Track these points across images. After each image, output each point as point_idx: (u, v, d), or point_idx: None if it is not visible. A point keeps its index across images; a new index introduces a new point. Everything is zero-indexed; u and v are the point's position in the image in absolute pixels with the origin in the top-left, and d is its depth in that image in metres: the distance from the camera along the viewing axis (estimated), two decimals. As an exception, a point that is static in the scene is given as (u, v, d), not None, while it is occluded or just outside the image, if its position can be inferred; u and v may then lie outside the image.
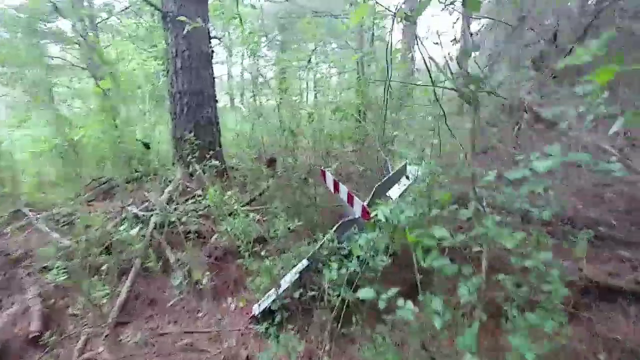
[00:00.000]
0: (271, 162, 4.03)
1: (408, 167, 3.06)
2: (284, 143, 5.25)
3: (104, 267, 3.01)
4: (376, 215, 1.66)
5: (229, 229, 2.13)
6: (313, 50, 8.27)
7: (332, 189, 2.58)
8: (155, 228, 3.58)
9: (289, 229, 3.10)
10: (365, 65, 6.03)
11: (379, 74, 4.97)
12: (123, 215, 3.77)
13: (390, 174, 2.73)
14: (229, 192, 2.72)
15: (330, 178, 2.57)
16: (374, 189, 2.47)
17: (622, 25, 3.98)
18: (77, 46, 7.02)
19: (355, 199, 2.17)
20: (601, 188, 4.31)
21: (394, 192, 3.08)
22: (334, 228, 2.79)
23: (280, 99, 4.87)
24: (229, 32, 13.83)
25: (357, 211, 2.17)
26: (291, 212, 3.69)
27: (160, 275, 3.15)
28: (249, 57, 5.55)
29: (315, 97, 9.64)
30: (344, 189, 2.36)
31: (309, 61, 6.33)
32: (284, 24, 15.41)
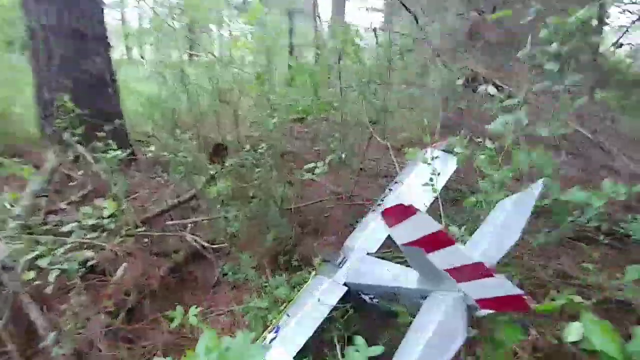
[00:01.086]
0: (218, 151, 2.68)
1: (441, 155, 2.09)
2: (216, 116, 3.80)
3: None
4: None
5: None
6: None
7: (411, 239, 1.05)
8: (4, 267, 1.99)
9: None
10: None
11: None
12: None
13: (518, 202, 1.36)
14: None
15: (427, 224, 1.02)
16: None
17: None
18: None
19: (496, 278, 0.94)
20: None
21: (422, 196, 2.02)
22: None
23: (213, 54, 3.39)
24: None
25: (473, 293, 1.01)
26: (251, 221, 2.47)
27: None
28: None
29: (231, 54, 7.87)
30: (461, 254, 1.00)
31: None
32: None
